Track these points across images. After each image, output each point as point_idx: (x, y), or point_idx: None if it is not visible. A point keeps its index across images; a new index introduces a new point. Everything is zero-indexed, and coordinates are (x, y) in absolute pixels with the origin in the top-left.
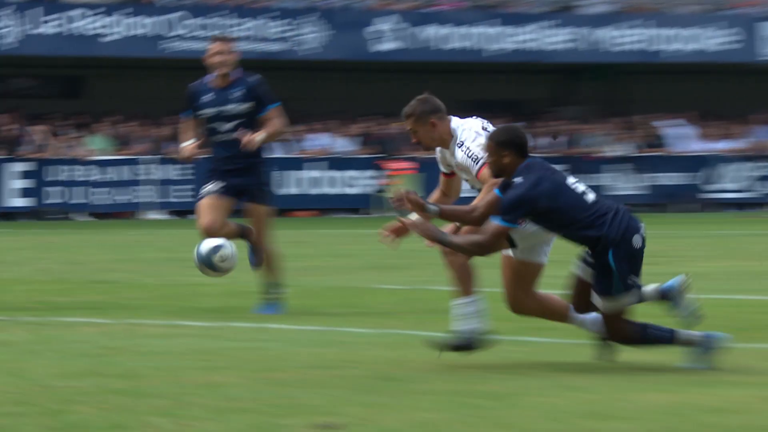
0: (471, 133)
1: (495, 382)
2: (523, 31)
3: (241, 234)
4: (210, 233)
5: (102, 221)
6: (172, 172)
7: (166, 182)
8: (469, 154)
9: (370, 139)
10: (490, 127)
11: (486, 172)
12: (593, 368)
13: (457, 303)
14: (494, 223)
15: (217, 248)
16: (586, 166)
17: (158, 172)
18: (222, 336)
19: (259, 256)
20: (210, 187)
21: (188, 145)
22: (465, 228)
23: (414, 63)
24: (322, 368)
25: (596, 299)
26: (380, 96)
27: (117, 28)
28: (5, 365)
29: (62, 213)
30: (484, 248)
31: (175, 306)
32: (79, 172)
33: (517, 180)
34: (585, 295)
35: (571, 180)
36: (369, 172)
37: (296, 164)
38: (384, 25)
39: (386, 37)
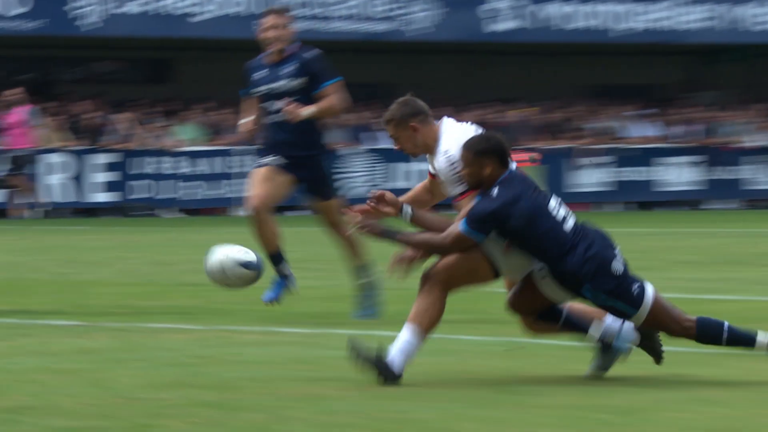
0: (457, 145)
1: (622, 396)
2: (654, 9)
3: (277, 244)
4: (258, 211)
5: (192, 218)
6: None
7: None
8: (453, 172)
9: (486, 128)
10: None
11: (464, 202)
12: (730, 381)
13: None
14: (458, 228)
15: (246, 263)
16: (723, 157)
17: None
18: (323, 344)
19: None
20: (269, 159)
21: (246, 121)
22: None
23: (533, 44)
24: (433, 379)
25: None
26: (496, 81)
27: (208, 6)
28: (88, 375)
29: (148, 209)
30: (441, 251)
31: (272, 311)
32: (166, 165)
33: (494, 191)
34: (530, 298)
35: (552, 203)
36: None
37: (402, 156)
38: (501, 2)
39: (503, 15)
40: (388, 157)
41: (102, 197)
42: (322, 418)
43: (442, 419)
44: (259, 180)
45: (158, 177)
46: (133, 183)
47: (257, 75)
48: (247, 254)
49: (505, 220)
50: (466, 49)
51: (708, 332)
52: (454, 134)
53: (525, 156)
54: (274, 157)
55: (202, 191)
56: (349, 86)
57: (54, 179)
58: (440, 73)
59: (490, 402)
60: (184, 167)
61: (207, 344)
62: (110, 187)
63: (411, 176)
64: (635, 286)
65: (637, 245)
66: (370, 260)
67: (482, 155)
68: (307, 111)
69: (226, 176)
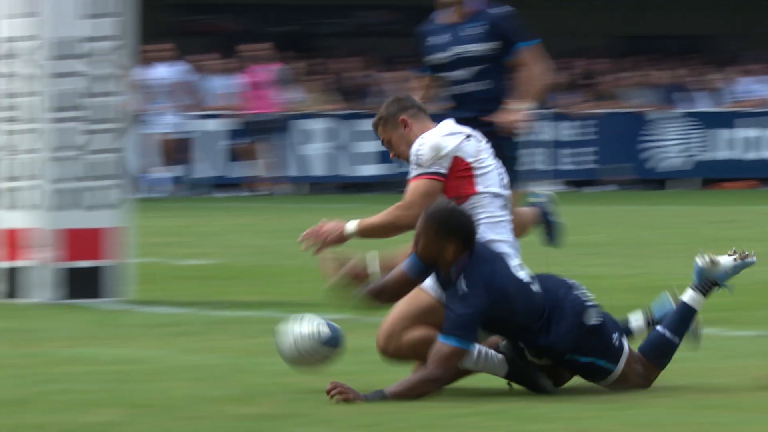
0: (426, 141)
1: None
2: None
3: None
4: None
5: None
6: (566, 131)
7: (558, 144)
8: (413, 157)
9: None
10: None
11: (415, 185)
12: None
13: None
14: (447, 345)
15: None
16: None
17: (548, 131)
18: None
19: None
20: None
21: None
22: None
23: None
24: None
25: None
26: None
27: None
28: (357, 378)
29: None
30: (444, 380)
31: None
32: None
33: (464, 287)
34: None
35: (514, 263)
36: None
37: (725, 120)
38: None
39: None
40: (707, 121)
41: (369, 170)
42: (629, 430)
43: None
44: None
45: None
46: None
47: (434, 39)
48: (321, 326)
49: (487, 312)
50: None
51: (659, 350)
52: (441, 130)
53: None
54: None
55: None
56: (661, 38)
57: (311, 149)
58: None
59: None
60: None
61: None
62: (380, 158)
63: (735, 144)
64: (614, 337)
65: None
66: None
67: (447, 235)
68: (521, 106)
69: None
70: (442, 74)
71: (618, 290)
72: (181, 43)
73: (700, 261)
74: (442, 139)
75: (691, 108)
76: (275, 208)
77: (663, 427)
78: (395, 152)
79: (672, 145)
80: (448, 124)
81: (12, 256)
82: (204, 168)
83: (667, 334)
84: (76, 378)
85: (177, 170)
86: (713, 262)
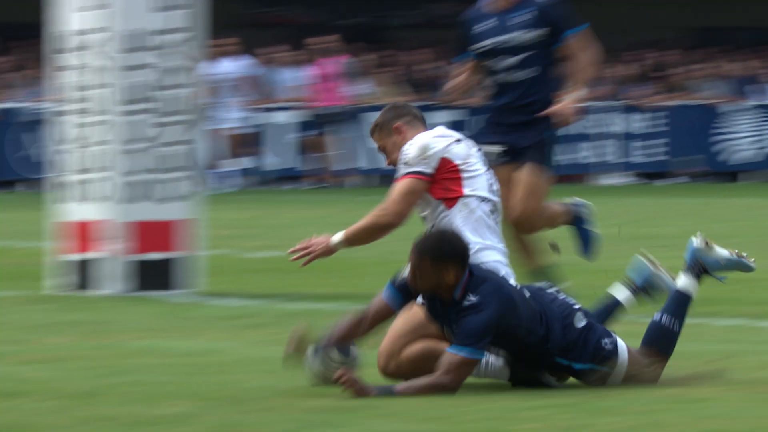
0: (415, 142)
1: None
2: None
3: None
4: (521, 224)
5: None
6: (637, 123)
7: (629, 137)
8: (401, 157)
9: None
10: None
11: (397, 184)
12: None
13: None
14: (458, 355)
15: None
16: None
17: (619, 123)
18: (696, 336)
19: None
20: (487, 149)
21: (456, 82)
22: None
23: None
24: None
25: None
26: None
27: None
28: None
29: None
30: (453, 389)
31: None
32: None
33: (473, 299)
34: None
35: (503, 272)
36: None
37: None
38: None
39: None
40: None
41: None
42: (701, 424)
43: None
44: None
45: None
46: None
47: (480, 27)
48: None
49: (499, 321)
50: None
51: (662, 340)
52: (432, 133)
53: None
54: (496, 147)
55: (557, 155)
56: (733, 30)
57: None
58: None
59: None
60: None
61: None
62: None
63: None
64: (605, 341)
65: None
66: (546, 266)
67: (443, 262)
68: (572, 98)
69: (585, 137)
70: (488, 62)
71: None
72: (251, 35)
73: (695, 241)
74: (431, 140)
75: (763, 100)
76: (345, 200)
77: (734, 420)
78: (390, 159)
79: (744, 137)
80: (440, 128)
81: (83, 248)
82: (273, 161)
83: (665, 321)
84: (146, 370)
85: (246, 163)
86: (708, 245)
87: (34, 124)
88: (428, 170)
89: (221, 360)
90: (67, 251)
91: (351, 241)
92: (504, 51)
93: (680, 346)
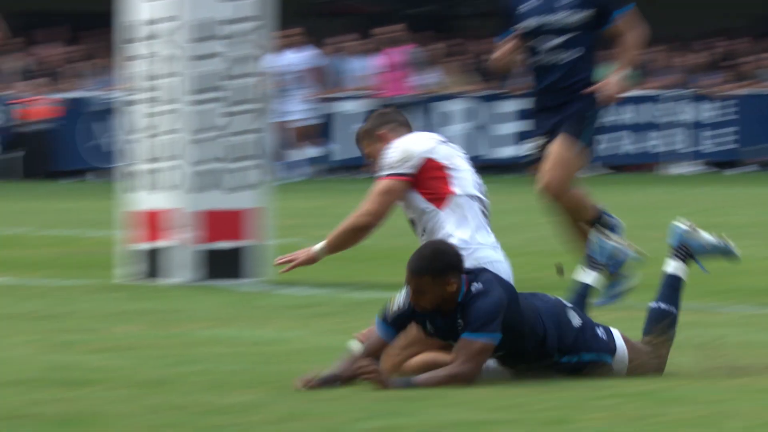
0: (397, 145)
1: None
2: None
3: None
4: (545, 194)
5: (615, 175)
6: (707, 112)
7: (699, 125)
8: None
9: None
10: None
11: (375, 185)
12: None
13: None
14: (477, 341)
15: None
16: None
17: (689, 112)
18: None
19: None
20: (530, 146)
21: (501, 52)
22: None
23: None
24: None
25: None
26: None
27: None
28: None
29: None
30: (472, 378)
31: (708, 286)
32: None
33: (479, 286)
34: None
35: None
36: None
37: None
38: None
39: None
40: None
41: (508, 151)
42: (764, 415)
43: None
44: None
45: None
46: None
47: (525, 6)
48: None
49: (505, 309)
50: None
51: (661, 324)
52: (414, 136)
53: None
54: (533, 142)
55: (626, 144)
56: None
57: (450, 131)
58: None
59: None
60: (606, 116)
61: None
62: (519, 139)
63: None
64: (600, 331)
65: None
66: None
67: (442, 275)
68: (619, 77)
69: (655, 126)
70: (531, 42)
71: (759, 273)
72: (319, 24)
73: (681, 225)
74: (413, 143)
75: None
76: None
77: None
78: (376, 166)
79: None
80: (423, 133)
81: (153, 237)
82: (341, 150)
83: (662, 306)
84: (215, 359)
85: (313, 153)
86: (693, 229)
87: (105, 113)
88: (408, 171)
89: (289, 349)
90: (136, 240)
91: (333, 246)
92: (548, 31)
93: (747, 336)
